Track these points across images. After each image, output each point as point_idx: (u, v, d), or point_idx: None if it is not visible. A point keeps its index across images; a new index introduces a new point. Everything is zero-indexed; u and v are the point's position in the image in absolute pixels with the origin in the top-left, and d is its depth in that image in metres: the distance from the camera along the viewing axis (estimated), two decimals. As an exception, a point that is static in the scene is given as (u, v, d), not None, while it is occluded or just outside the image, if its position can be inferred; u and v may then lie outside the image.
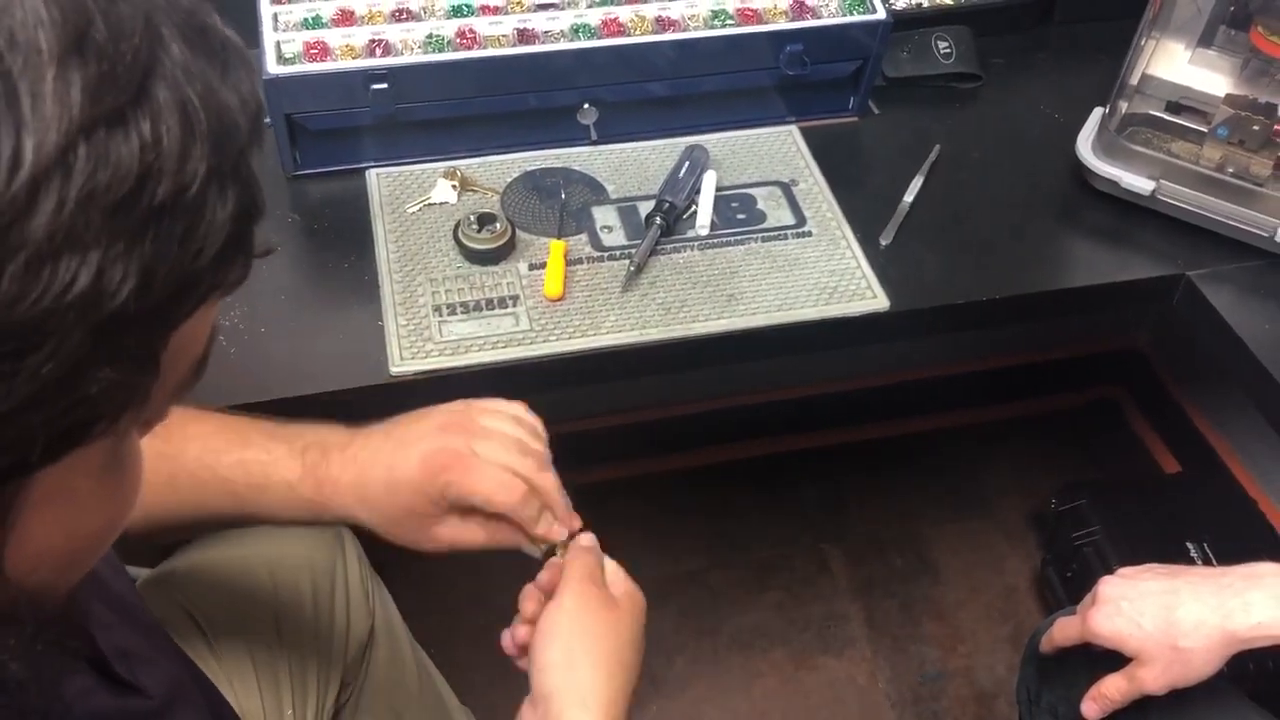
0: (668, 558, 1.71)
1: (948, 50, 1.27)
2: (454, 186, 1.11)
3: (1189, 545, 1.51)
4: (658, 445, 1.77)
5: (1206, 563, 1.50)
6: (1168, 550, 1.48)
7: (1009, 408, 1.91)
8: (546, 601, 0.73)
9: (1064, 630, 0.95)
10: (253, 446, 0.76)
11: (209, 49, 0.39)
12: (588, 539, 0.77)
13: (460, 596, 1.61)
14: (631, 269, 1.03)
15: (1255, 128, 1.08)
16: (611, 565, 0.77)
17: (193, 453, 0.76)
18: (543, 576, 0.76)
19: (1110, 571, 0.93)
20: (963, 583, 1.74)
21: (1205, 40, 1.11)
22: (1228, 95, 1.11)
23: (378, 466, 0.75)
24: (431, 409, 0.78)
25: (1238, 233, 1.08)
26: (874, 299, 1.03)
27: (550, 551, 0.76)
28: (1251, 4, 1.06)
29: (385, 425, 0.77)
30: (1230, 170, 1.08)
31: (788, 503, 1.80)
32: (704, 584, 1.70)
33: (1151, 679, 0.87)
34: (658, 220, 1.07)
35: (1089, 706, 0.91)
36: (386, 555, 1.06)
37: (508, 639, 0.75)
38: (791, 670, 1.62)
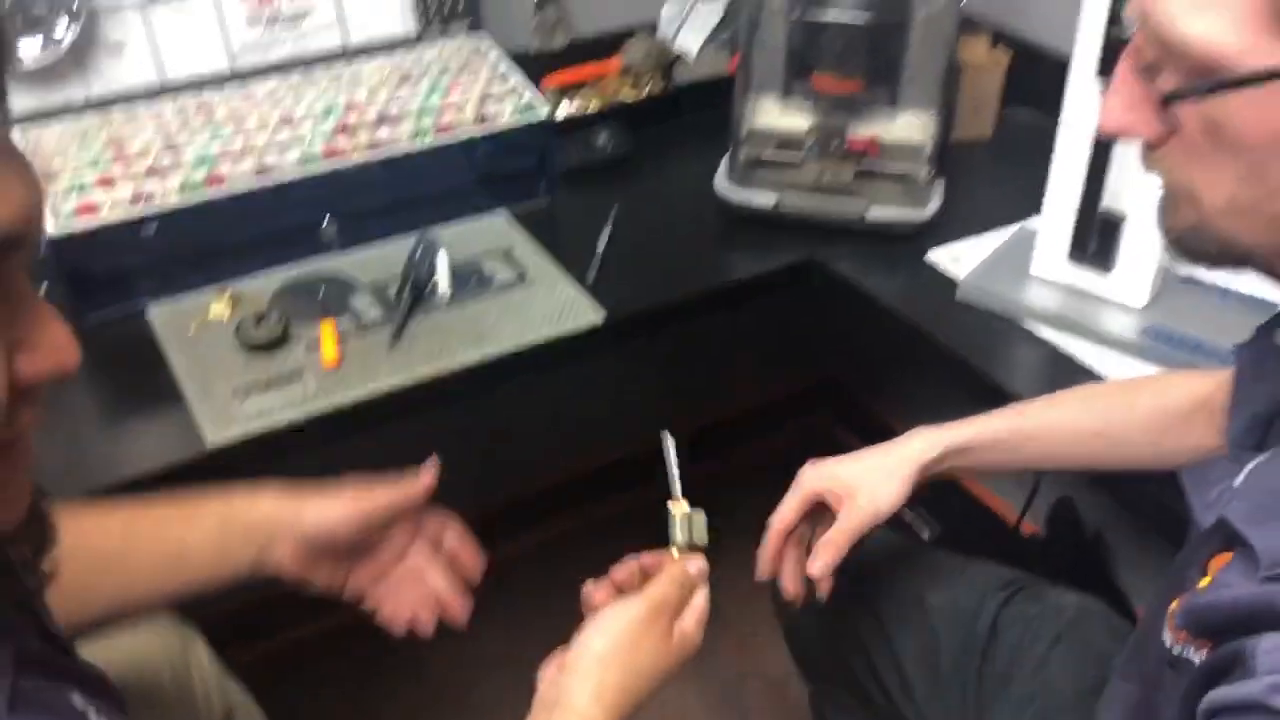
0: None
1: (606, 141, 1.60)
2: (228, 303, 1.30)
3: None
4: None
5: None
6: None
7: (739, 454, 2.21)
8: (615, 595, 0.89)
9: (781, 519, 1.09)
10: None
11: None
12: (695, 566, 0.93)
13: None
14: (394, 331, 1.25)
15: (833, 145, 1.46)
16: (700, 602, 0.89)
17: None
18: (619, 574, 0.92)
19: None
20: (736, 599, 1.97)
21: (786, 92, 1.49)
22: (811, 126, 1.48)
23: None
24: None
25: (841, 222, 1.44)
26: (591, 316, 1.30)
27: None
28: (807, 59, 1.44)
29: None
30: (826, 178, 1.45)
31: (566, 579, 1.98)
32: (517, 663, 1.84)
33: (857, 513, 1.03)
34: (406, 293, 1.30)
35: (814, 565, 1.03)
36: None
37: (590, 588, 0.93)
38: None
